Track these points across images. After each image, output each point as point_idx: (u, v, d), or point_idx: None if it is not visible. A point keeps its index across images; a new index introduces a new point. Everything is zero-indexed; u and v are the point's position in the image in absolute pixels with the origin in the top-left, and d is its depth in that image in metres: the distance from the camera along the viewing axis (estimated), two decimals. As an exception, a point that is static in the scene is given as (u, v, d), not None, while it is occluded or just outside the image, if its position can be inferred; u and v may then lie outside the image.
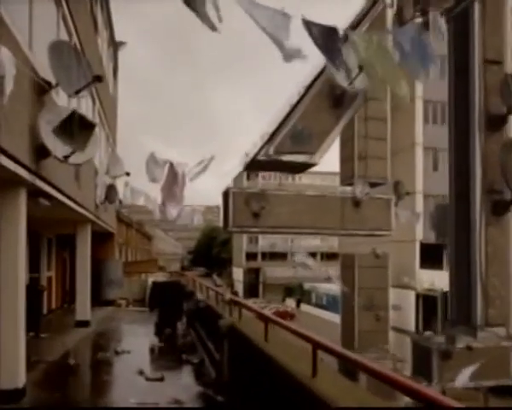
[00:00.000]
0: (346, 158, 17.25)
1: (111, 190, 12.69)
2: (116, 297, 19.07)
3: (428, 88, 24.62)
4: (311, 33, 5.41)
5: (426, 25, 10.20)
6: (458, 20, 11.04)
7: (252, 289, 56.07)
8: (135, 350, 10.41)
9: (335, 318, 26.00)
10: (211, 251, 78.80)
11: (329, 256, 49.92)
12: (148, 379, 7.94)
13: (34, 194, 7.05)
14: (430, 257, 24.54)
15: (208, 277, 64.91)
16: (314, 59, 11.02)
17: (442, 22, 11.11)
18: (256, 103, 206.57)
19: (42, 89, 6.48)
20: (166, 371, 8.47)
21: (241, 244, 59.18)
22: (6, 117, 5.21)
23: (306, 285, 47.90)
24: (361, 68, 6.66)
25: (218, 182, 16.17)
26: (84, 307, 12.80)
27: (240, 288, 56.53)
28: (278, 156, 11.61)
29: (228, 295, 8.99)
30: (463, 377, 9.54)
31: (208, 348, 9.59)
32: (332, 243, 47.32)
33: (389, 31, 9.84)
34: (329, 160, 14.49)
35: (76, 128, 5.87)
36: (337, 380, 3.95)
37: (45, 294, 13.93)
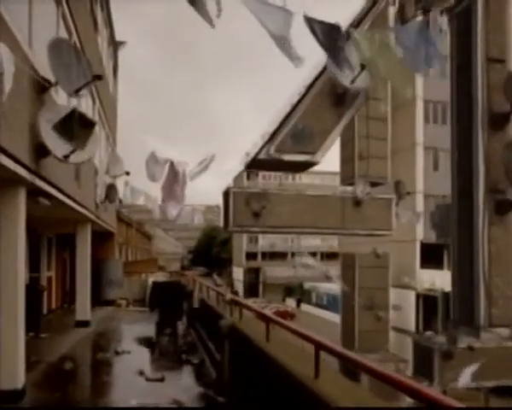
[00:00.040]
0: (346, 158, 17.23)
1: (111, 189, 12.66)
2: (116, 297, 19.02)
3: (429, 88, 24.59)
4: (313, 31, 5.37)
5: (427, 23, 10.15)
6: (461, 17, 10.99)
7: (252, 289, 56.08)
8: (135, 350, 10.37)
9: (336, 317, 25.98)
10: (211, 251, 78.83)
11: (329, 256, 49.91)
12: (148, 380, 7.90)
13: (34, 193, 7.00)
14: (430, 257, 24.51)
15: (208, 276, 64.93)
16: (314, 58, 11.02)
17: (443, 21, 11.06)
18: (256, 103, 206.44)
19: (41, 87, 6.43)
20: (167, 371, 8.43)
21: (241, 244, 59.19)
22: (6, 115, 5.16)
23: (306, 285, 47.88)
24: (363, 67, 6.62)
25: (218, 181, 16.18)
26: (84, 307, 12.76)
27: (240, 287, 56.52)
28: (279, 155, 11.58)
29: (229, 296, 8.95)
30: (465, 378, 9.50)
31: (209, 348, 9.56)
32: (332, 243, 47.30)
33: (391, 29, 9.79)
34: (329, 159, 14.47)
35: (76, 126, 5.83)
36: (339, 381, 3.92)
37: (45, 294, 13.89)
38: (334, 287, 29.67)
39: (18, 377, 6.48)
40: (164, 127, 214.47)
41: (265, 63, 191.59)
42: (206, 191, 44.85)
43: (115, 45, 18.36)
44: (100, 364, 9.27)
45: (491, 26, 10.34)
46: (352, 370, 5.22)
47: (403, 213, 14.98)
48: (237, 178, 30.90)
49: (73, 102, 7.79)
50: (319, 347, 3.86)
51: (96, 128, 6.88)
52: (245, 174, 42.97)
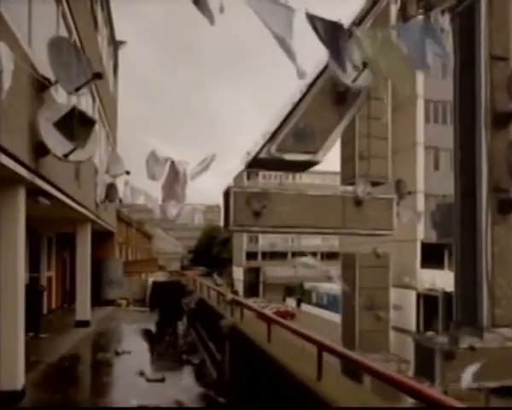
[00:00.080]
0: (347, 157, 17.19)
1: (111, 188, 12.61)
2: (116, 297, 18.98)
3: (429, 87, 24.54)
4: (315, 29, 5.32)
5: (429, 21, 10.09)
6: (464, 16, 10.94)
7: (252, 289, 56.06)
8: (135, 350, 10.33)
9: (336, 317, 25.96)
10: (211, 250, 78.82)
11: (330, 256, 49.87)
12: (148, 380, 7.86)
13: (33, 192, 6.96)
14: (431, 257, 24.49)
15: (209, 276, 64.92)
16: (316, 57, 10.98)
17: (445, 20, 11.00)
18: (256, 103, 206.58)
19: (41, 86, 6.39)
20: (167, 371, 8.39)
21: (242, 244, 59.16)
22: (5, 114, 5.12)
23: (307, 285, 47.84)
24: (365, 65, 6.57)
25: (218, 181, 16.15)
26: (84, 306, 12.72)
27: (240, 287, 56.49)
28: (280, 155, 11.54)
29: (229, 296, 8.90)
30: (467, 378, 9.46)
31: (209, 348, 9.51)
32: (333, 243, 47.25)
33: (393, 27, 9.75)
34: (330, 159, 14.43)
35: (76, 125, 5.79)
36: (341, 382, 3.88)
37: (45, 294, 13.85)
38: (335, 287, 29.65)
39: (18, 378, 6.44)
40: (164, 127, 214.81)
41: (266, 63, 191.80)
42: (206, 191, 44.91)
43: (115, 45, 18.32)
44: (100, 364, 9.24)
45: (495, 25, 10.28)
46: (354, 370, 5.18)
47: (404, 213, 14.94)
48: (237, 178, 30.86)
49: (73, 100, 7.76)
50: (322, 348, 3.81)
51: (96, 127, 6.83)
52: (245, 174, 42.92)
